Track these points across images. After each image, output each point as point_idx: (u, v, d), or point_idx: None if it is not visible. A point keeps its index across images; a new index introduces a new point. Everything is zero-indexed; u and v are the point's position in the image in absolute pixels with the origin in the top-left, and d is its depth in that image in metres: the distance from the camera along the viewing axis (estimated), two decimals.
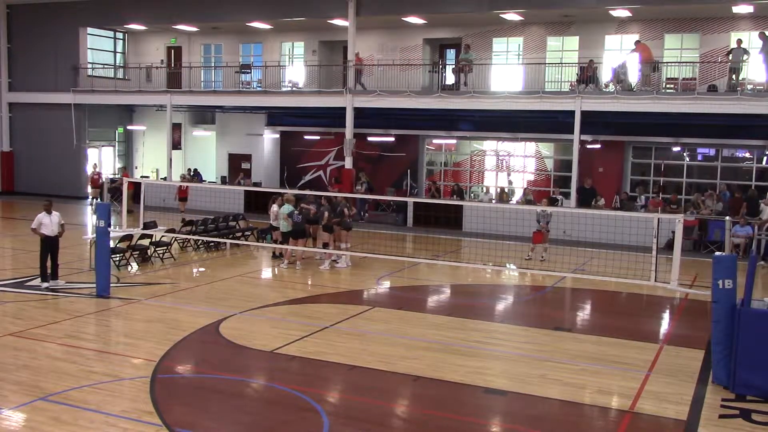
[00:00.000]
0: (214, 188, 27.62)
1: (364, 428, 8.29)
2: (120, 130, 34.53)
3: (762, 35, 21.47)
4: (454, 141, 29.39)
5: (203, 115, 33.82)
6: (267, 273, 17.84)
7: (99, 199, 27.88)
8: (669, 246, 16.46)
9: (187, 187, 26.35)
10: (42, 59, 31.80)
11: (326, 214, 17.64)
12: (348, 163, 26.73)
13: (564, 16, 25.60)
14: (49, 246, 14.48)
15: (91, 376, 9.59)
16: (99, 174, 29.43)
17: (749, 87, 22.12)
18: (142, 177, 28.95)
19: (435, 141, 29.53)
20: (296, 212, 17.71)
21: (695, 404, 9.22)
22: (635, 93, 22.94)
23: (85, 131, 31.74)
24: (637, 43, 23.29)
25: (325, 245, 17.81)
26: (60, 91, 31.12)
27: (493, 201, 26.40)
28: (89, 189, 29.58)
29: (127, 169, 33.51)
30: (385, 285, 16.45)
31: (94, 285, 14.13)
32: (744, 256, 18.53)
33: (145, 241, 17.91)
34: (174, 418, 8.31)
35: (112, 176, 32.02)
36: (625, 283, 13.78)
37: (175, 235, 18.92)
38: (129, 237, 17.03)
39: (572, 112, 23.07)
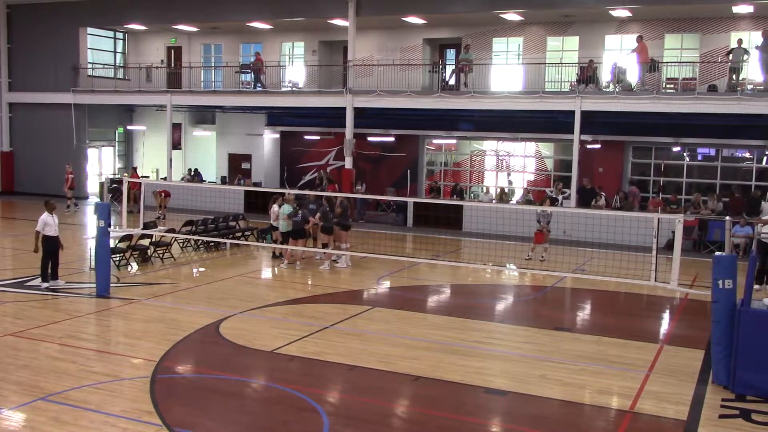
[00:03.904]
0: (214, 188, 27.62)
1: (364, 428, 8.30)
2: (120, 130, 34.54)
3: (765, 33, 21.40)
4: (454, 141, 29.40)
5: (203, 115, 33.83)
6: (267, 273, 17.84)
7: (75, 201, 27.35)
8: (669, 246, 16.47)
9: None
10: (42, 59, 31.80)
11: (318, 215, 17.65)
12: (348, 163, 26.73)
13: (564, 16, 25.61)
14: (52, 246, 14.48)
15: (91, 376, 9.59)
16: (71, 173, 28.12)
17: (749, 87, 22.11)
18: (142, 177, 28.93)
19: (435, 141, 29.54)
20: (296, 211, 17.70)
21: (695, 404, 9.22)
22: (635, 93, 22.94)
23: (85, 131, 31.74)
24: (639, 39, 23.24)
25: (325, 245, 17.81)
26: (60, 91, 31.12)
27: (493, 201, 26.40)
28: (66, 191, 27.72)
29: (135, 169, 33.49)
30: (385, 285, 16.45)
31: (94, 285, 14.13)
32: (744, 256, 18.52)
33: (145, 241, 17.91)
34: (174, 418, 8.31)
35: (112, 176, 32.04)
36: (625, 283, 13.78)
37: (175, 235, 18.92)
38: (129, 237, 17.03)
39: (572, 112, 23.07)
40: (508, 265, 18.87)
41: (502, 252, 19.27)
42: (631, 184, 24.91)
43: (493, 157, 29.13)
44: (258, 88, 28.76)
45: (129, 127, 34.52)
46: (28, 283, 14.96)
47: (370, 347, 11.29)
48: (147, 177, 29.75)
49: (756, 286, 14.69)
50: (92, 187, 32.43)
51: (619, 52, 24.97)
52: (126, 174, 28.78)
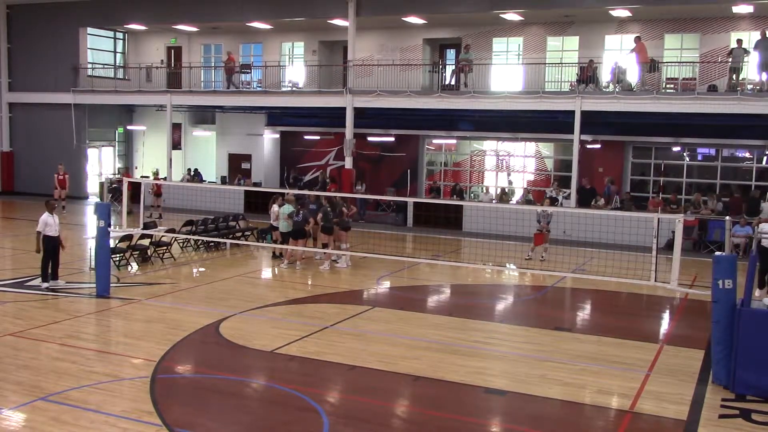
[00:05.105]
0: (213, 188, 27.61)
1: (364, 428, 8.30)
2: (120, 130, 34.53)
3: (764, 33, 21.40)
4: (454, 141, 29.40)
5: (203, 115, 33.83)
6: (267, 273, 17.84)
7: (63, 204, 26.74)
8: (669, 246, 16.46)
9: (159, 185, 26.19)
10: (42, 59, 31.79)
11: (320, 215, 17.66)
12: (348, 163, 26.74)
13: (564, 16, 25.61)
14: (52, 246, 14.47)
15: (91, 376, 9.59)
16: (65, 174, 27.69)
17: (749, 87, 22.12)
18: (142, 177, 28.92)
19: (435, 141, 29.54)
20: (297, 210, 17.70)
21: (695, 404, 9.22)
22: (635, 93, 22.95)
23: (85, 131, 31.74)
24: (637, 39, 23.28)
25: (325, 245, 17.81)
26: (60, 91, 31.11)
27: (493, 201, 26.40)
28: (58, 192, 26.97)
29: (129, 169, 33.46)
30: (385, 285, 16.45)
31: (94, 285, 14.13)
32: (744, 256, 18.53)
33: (145, 241, 17.92)
34: (174, 418, 8.32)
35: (112, 176, 32.03)
36: (625, 283, 13.77)
37: (175, 235, 18.92)
38: (129, 237, 17.03)
39: (572, 112, 23.07)
40: (508, 265, 18.87)
41: (502, 252, 19.27)
42: (612, 183, 24.84)
43: (493, 157, 29.13)
44: (231, 89, 28.95)
45: (129, 127, 34.52)
46: (28, 283, 14.96)
47: (370, 347, 11.29)
48: (147, 177, 29.75)
49: (758, 292, 14.67)
50: (92, 187, 32.41)
51: (619, 52, 24.97)
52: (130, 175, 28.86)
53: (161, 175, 29.43)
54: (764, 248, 14.85)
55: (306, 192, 20.48)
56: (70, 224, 23.43)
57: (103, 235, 13.95)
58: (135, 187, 21.78)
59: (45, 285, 14.47)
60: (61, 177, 27.59)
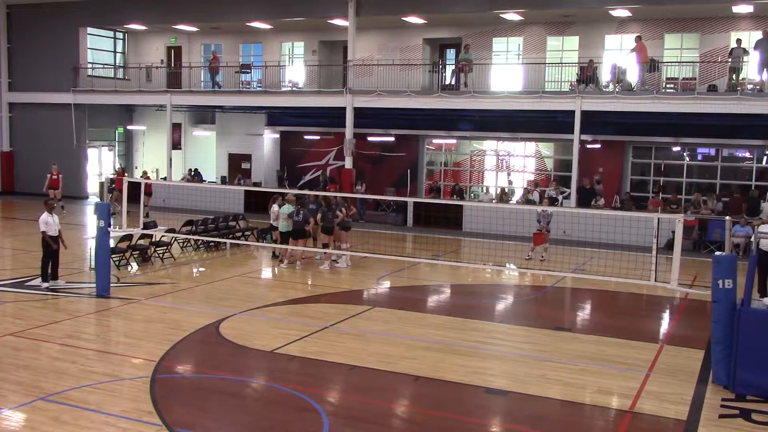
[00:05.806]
0: (214, 188, 27.61)
1: (364, 428, 8.30)
2: (120, 130, 34.53)
3: (766, 33, 21.39)
4: (454, 141, 29.40)
5: (203, 115, 33.83)
6: (267, 273, 17.84)
7: (62, 204, 26.38)
8: (669, 246, 16.46)
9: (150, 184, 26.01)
10: (42, 59, 31.78)
11: (320, 215, 17.65)
12: (348, 163, 26.74)
13: (564, 16, 25.61)
14: (52, 246, 14.47)
15: (91, 376, 9.59)
16: (58, 174, 27.18)
17: (749, 87, 22.11)
18: (141, 177, 28.88)
19: (435, 141, 29.54)
20: (297, 210, 17.70)
21: (695, 404, 9.22)
22: (635, 93, 22.95)
23: (85, 131, 31.74)
24: (637, 39, 23.27)
25: (325, 245, 17.81)
26: (60, 91, 31.11)
27: (493, 201, 26.40)
28: (53, 192, 26.14)
29: (126, 170, 33.41)
30: (385, 285, 16.45)
31: (94, 285, 14.13)
32: (744, 256, 18.52)
33: (145, 241, 17.91)
34: (174, 418, 8.32)
35: (111, 176, 32.02)
36: (625, 283, 13.77)
37: (175, 235, 18.91)
38: (129, 237, 17.03)
39: (572, 112, 23.08)
40: (508, 265, 18.87)
41: (502, 252, 19.27)
42: (598, 183, 24.79)
43: (493, 157, 29.13)
44: (215, 88, 29.06)
45: (129, 127, 34.52)
46: (28, 283, 14.96)
47: (370, 347, 11.29)
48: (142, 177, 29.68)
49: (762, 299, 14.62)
50: (92, 187, 32.41)
51: (619, 52, 24.98)
52: (127, 174, 28.73)
53: (161, 176, 29.42)
54: (764, 252, 14.80)
55: (306, 192, 20.45)
56: (70, 224, 23.41)
57: (103, 235, 13.96)
58: (133, 188, 21.79)
59: (45, 285, 14.47)
60: (54, 177, 27.40)
